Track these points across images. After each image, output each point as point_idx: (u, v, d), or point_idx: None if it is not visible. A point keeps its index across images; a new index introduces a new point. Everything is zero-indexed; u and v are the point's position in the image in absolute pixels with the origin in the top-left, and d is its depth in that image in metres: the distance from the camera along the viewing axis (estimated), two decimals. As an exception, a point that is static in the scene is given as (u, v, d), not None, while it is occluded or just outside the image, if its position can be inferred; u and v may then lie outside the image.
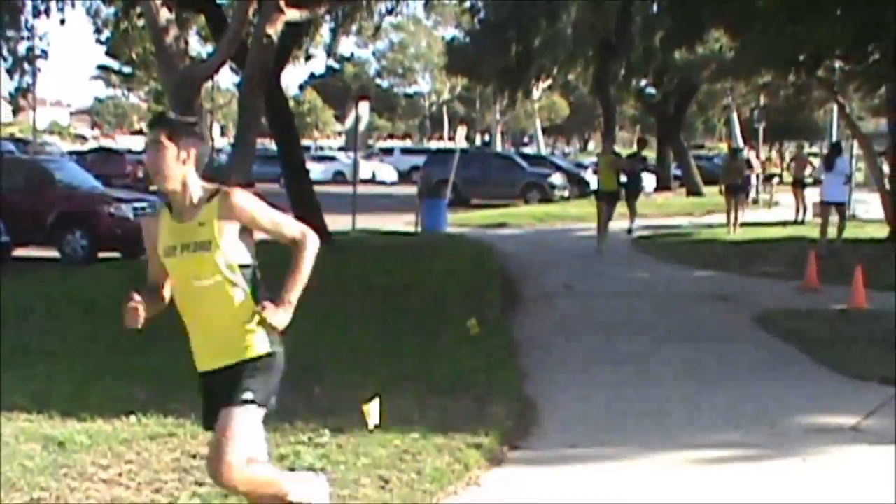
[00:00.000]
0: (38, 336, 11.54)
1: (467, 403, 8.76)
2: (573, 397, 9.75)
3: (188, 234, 5.31)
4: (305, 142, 68.29)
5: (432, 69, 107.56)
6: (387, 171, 71.38)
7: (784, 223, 32.58)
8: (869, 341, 12.43)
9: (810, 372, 11.13)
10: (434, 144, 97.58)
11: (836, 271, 17.65)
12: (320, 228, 24.90)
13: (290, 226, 5.53)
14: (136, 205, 23.93)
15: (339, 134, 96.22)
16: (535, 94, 69.89)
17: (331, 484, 6.72)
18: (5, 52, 37.14)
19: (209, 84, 36.06)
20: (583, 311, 15.59)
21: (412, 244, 24.82)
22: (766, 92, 46.78)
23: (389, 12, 32.11)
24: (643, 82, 51.98)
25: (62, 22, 36.38)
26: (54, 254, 22.75)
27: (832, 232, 22.99)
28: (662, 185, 54.10)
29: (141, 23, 27.51)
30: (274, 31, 17.64)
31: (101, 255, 22.80)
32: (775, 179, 42.05)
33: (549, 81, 65.34)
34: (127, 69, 78.11)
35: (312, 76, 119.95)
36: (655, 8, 36.83)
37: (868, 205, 35.34)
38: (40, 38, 53.37)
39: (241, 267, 5.38)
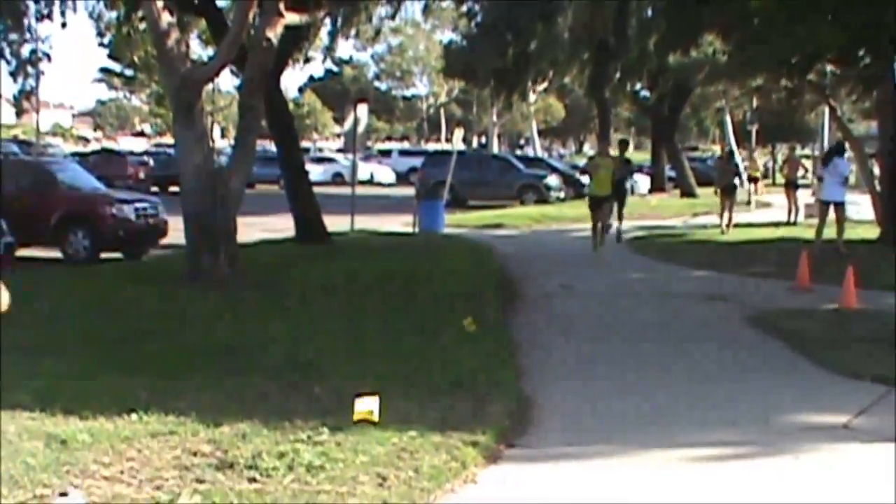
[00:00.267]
0: (40, 334, 11.52)
1: (465, 402, 8.74)
2: (570, 396, 9.74)
3: None
4: (305, 144, 68.38)
5: (430, 72, 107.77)
6: (385, 173, 71.45)
7: (777, 224, 32.63)
8: (860, 340, 12.42)
9: (803, 371, 11.12)
10: (431, 146, 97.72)
11: (828, 271, 17.63)
12: (320, 228, 25.01)
13: None
14: (138, 206, 24.00)
15: (338, 136, 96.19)
16: (531, 96, 69.86)
17: (330, 482, 6.73)
18: (9, 56, 37.14)
19: (210, 86, 36.00)
20: (579, 310, 15.58)
21: (410, 245, 24.81)
22: (758, 95, 46.92)
23: (392, 17, 32.11)
24: (638, 85, 52.00)
25: (63, 25, 36.33)
26: (57, 254, 22.77)
27: (831, 233, 22.87)
28: (657, 187, 54.20)
29: (143, 26, 27.49)
30: (274, 34, 17.63)
31: (103, 255, 22.83)
32: (759, 182, 41.92)
33: (545, 84, 65.46)
34: (129, 72, 78.24)
35: (312, 79, 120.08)
36: (650, 12, 36.86)
37: (859, 206, 35.30)
38: (43, 42, 53.39)
39: None
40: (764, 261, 21.45)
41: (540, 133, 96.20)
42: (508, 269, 20.15)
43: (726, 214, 30.04)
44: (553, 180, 48.23)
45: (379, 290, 15.79)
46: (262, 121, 20.28)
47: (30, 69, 44.80)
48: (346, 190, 32.94)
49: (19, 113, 65.90)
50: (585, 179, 22.68)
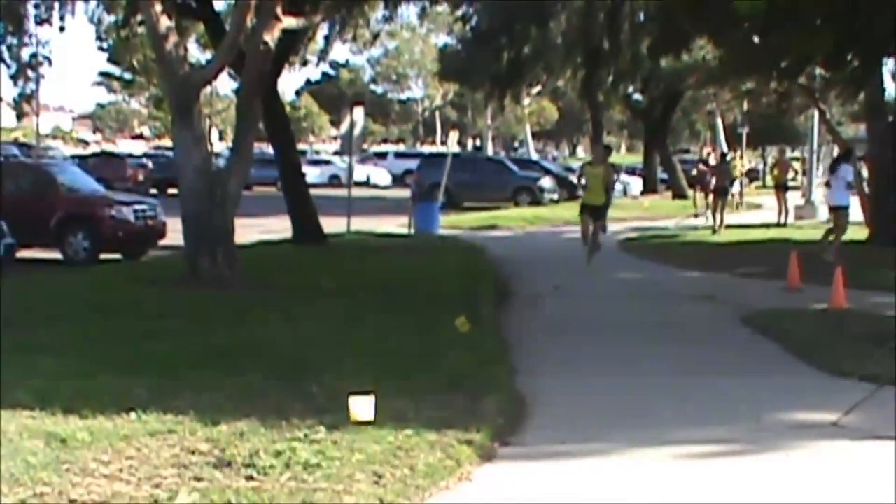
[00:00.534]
0: (40, 334, 11.52)
1: (460, 401, 8.74)
2: (563, 394, 9.74)
3: None
4: (301, 146, 68.34)
5: (425, 75, 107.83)
6: (381, 175, 71.51)
7: (767, 225, 32.69)
8: (849, 340, 12.43)
9: (793, 369, 11.14)
10: (427, 149, 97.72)
11: (818, 272, 17.63)
12: (316, 230, 25.01)
13: None
14: (137, 207, 24.02)
15: (335, 138, 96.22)
16: (525, 99, 69.89)
17: (326, 480, 6.72)
18: (9, 59, 37.05)
19: (208, 90, 35.99)
20: (573, 310, 15.59)
21: (405, 246, 24.82)
22: (749, 98, 46.89)
23: (388, 20, 32.09)
24: (630, 89, 52.03)
25: (62, 29, 36.26)
26: (57, 255, 22.76)
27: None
28: (649, 189, 54.30)
29: (142, 30, 27.48)
30: (271, 38, 17.61)
31: (103, 256, 22.82)
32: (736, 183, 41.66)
33: (539, 87, 65.38)
34: (128, 75, 77.97)
35: (308, 82, 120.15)
36: (642, 17, 36.86)
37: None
38: (43, 46, 53.24)
39: None
40: (755, 261, 21.48)
41: (534, 135, 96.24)
42: (502, 269, 20.15)
43: (718, 215, 30.21)
44: (547, 182, 48.28)
45: (375, 291, 15.77)
46: (259, 123, 20.27)
47: (30, 73, 44.69)
48: (342, 192, 32.95)
49: (20, 116, 65.77)
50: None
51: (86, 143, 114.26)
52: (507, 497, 6.91)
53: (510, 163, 52.67)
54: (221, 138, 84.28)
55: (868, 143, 28.39)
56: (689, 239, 28.21)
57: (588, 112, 58.21)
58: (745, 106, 49.50)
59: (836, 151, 37.52)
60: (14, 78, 41.72)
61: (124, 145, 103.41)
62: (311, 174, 45.81)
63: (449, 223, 32.08)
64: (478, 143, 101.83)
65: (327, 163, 71.33)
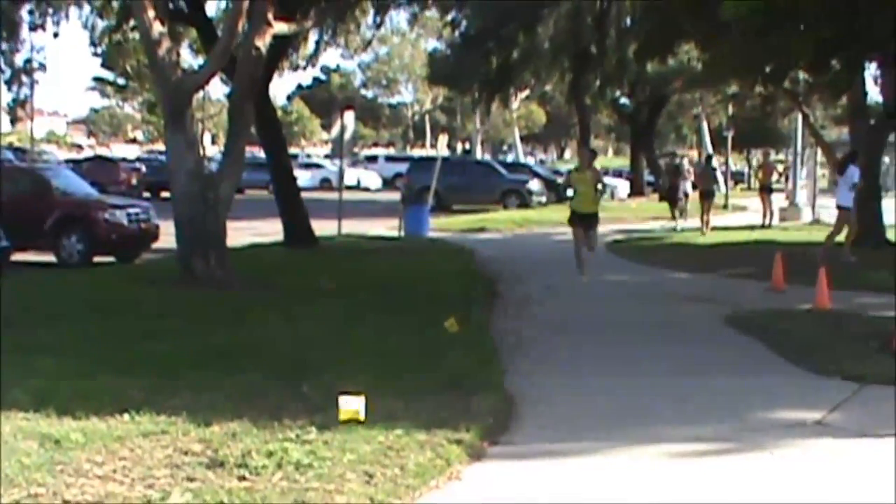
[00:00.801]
0: (40, 334, 11.52)
1: (450, 400, 8.73)
2: (552, 394, 9.73)
3: None
4: (293, 150, 68.36)
5: (415, 80, 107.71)
6: (371, 178, 71.53)
7: (752, 227, 32.76)
8: (833, 339, 12.45)
9: (778, 369, 11.15)
10: (417, 152, 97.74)
11: (802, 273, 17.65)
12: (308, 232, 25.00)
13: None
14: (130, 211, 24.00)
15: (326, 142, 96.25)
16: (514, 104, 69.94)
17: (318, 479, 6.71)
18: (3, 65, 37.08)
19: (200, 94, 35.96)
20: (561, 311, 15.59)
21: (396, 248, 24.84)
22: (734, 102, 46.97)
23: (377, 26, 32.12)
24: (617, 93, 52.13)
25: (55, 35, 36.21)
26: (51, 258, 22.73)
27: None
28: (636, 191, 54.38)
29: (135, 35, 27.47)
30: (262, 43, 17.61)
31: (97, 258, 22.80)
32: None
33: (527, 92, 65.51)
34: (121, 80, 78.06)
35: (300, 87, 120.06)
36: (629, 21, 36.94)
37: (831, 210, 35.39)
38: (37, 51, 53.26)
39: None
40: (740, 263, 21.50)
41: (522, 139, 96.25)
42: (492, 271, 20.15)
43: (705, 216, 30.38)
44: (535, 185, 48.29)
45: (366, 292, 15.77)
46: (251, 128, 20.26)
47: (24, 78, 44.75)
48: (333, 195, 32.91)
49: (14, 121, 65.68)
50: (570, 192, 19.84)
51: (80, 147, 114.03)
52: (497, 496, 6.90)
53: (499, 166, 52.70)
54: (214, 142, 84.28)
55: (850, 145, 28.44)
56: (676, 241, 28.25)
57: (576, 116, 58.25)
58: (730, 109, 49.51)
59: (819, 154, 37.61)
60: (9, 83, 41.74)
61: (118, 149, 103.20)
62: (303, 178, 45.68)
63: (438, 226, 32.11)
64: (467, 146, 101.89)
65: (318, 166, 71.28)
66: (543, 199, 47.27)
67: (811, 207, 38.38)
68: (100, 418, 7.95)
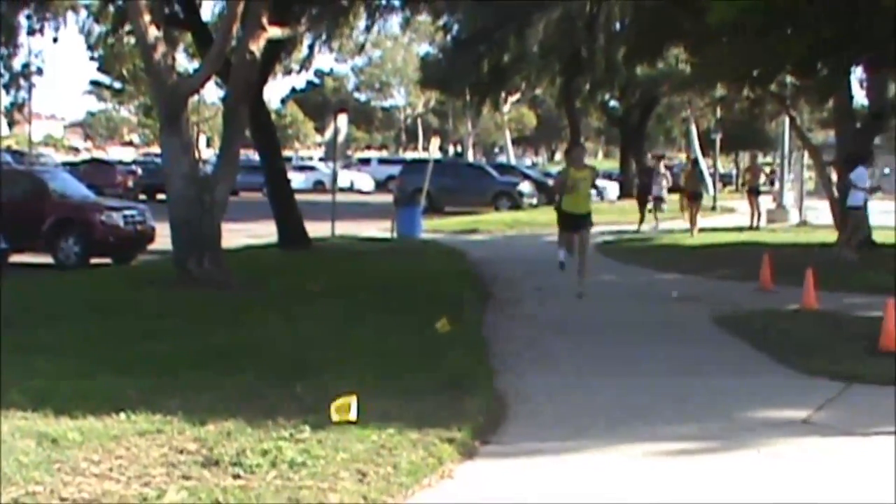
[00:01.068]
0: (40, 334, 11.52)
1: (442, 400, 8.73)
2: (542, 393, 9.74)
3: None
4: (287, 153, 68.16)
5: (408, 83, 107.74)
6: (364, 181, 71.49)
7: (740, 229, 32.79)
8: (820, 339, 12.47)
9: (765, 368, 11.17)
10: (409, 155, 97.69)
11: (790, 274, 17.66)
12: (301, 234, 24.99)
13: None
14: (127, 213, 24.01)
15: (319, 145, 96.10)
16: (505, 107, 69.95)
17: (311, 478, 6.72)
18: (2, 69, 37.00)
19: (195, 98, 35.95)
20: (551, 311, 15.58)
21: (388, 250, 24.83)
22: (722, 105, 46.96)
23: (368, 30, 32.11)
24: (607, 96, 52.15)
25: (55, 40, 36.29)
26: (49, 260, 22.71)
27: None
28: (625, 193, 54.42)
29: (131, 40, 27.46)
30: (257, 47, 17.61)
31: (93, 260, 22.79)
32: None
33: (518, 95, 65.53)
34: (118, 84, 77.96)
35: (294, 90, 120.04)
36: (618, 26, 36.96)
37: (818, 211, 35.56)
38: (35, 56, 53.17)
39: None
40: (728, 264, 21.51)
41: (513, 142, 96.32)
42: (483, 272, 20.16)
43: (693, 218, 30.46)
44: (526, 187, 48.33)
45: (358, 293, 15.76)
46: (245, 131, 20.25)
47: (22, 82, 44.67)
48: (326, 197, 32.84)
49: (11, 124, 65.70)
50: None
51: (77, 150, 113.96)
52: (488, 493, 6.91)
53: (490, 168, 52.72)
54: (209, 145, 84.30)
55: (836, 148, 28.51)
56: (665, 242, 28.27)
57: (566, 119, 58.26)
58: (718, 112, 49.56)
59: (806, 157, 37.65)
60: (7, 87, 41.69)
61: (114, 152, 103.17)
62: (297, 180, 45.74)
63: (431, 227, 32.10)
64: (459, 149, 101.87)
65: (312, 169, 71.29)
66: (534, 200, 47.28)
67: (798, 209, 38.46)
68: (97, 417, 7.95)
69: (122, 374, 9.33)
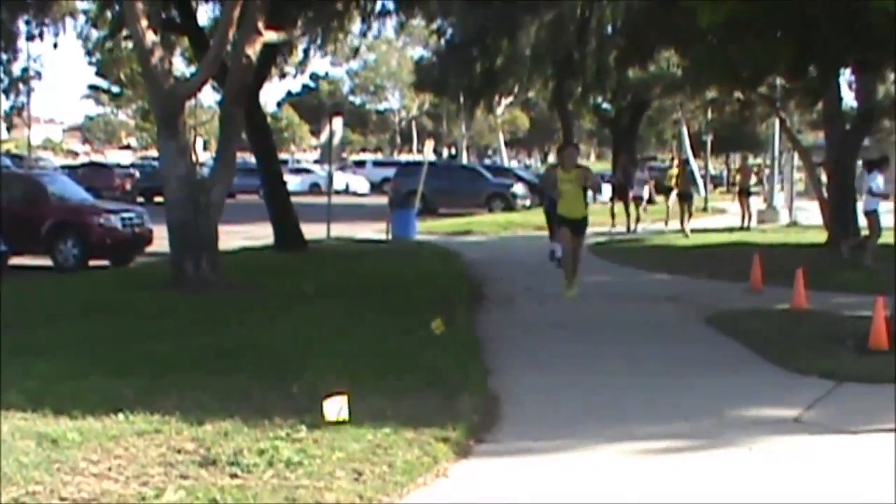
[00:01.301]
0: (40, 335, 11.51)
1: (436, 399, 8.74)
2: (535, 393, 9.74)
3: None
4: (283, 155, 68.21)
5: (402, 87, 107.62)
6: (359, 183, 71.46)
7: (731, 229, 32.80)
8: (810, 339, 12.47)
9: (756, 367, 11.17)
10: (404, 157, 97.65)
11: (780, 274, 17.67)
12: (297, 236, 24.99)
13: None
14: (125, 215, 24.01)
15: (315, 148, 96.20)
16: (498, 109, 69.89)
17: (308, 477, 6.71)
18: (1, 74, 37.00)
19: (192, 101, 35.93)
20: (545, 312, 15.58)
21: (383, 251, 24.83)
22: (712, 107, 47.05)
23: (364, 34, 32.09)
24: (599, 99, 52.12)
25: (55, 46, 36.27)
26: (47, 262, 22.70)
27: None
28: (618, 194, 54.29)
29: (128, 45, 27.44)
30: (253, 51, 17.60)
31: (92, 262, 22.78)
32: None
33: (511, 98, 65.43)
34: (116, 88, 77.82)
35: (289, 94, 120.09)
36: (610, 29, 37.01)
37: (808, 212, 35.61)
38: (34, 60, 53.15)
39: None
40: (719, 264, 21.50)
41: (507, 144, 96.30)
42: (476, 273, 20.14)
43: (685, 219, 30.47)
44: (519, 189, 48.35)
45: (354, 294, 15.77)
46: (242, 134, 20.25)
47: (21, 86, 44.69)
48: (322, 199, 32.86)
49: (10, 128, 65.65)
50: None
51: (75, 153, 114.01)
52: (483, 492, 6.91)
53: (484, 170, 52.71)
54: (206, 148, 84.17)
55: (826, 149, 28.55)
56: (657, 242, 28.27)
57: (559, 121, 58.21)
58: (709, 114, 49.63)
59: (796, 158, 37.69)
60: (6, 92, 41.69)
61: (112, 156, 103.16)
62: (293, 182, 45.66)
63: (425, 229, 32.08)
64: (453, 151, 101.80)
65: (308, 171, 71.23)
66: (528, 202, 47.29)
67: (788, 210, 38.50)
68: (95, 418, 7.95)
69: (120, 375, 9.33)
